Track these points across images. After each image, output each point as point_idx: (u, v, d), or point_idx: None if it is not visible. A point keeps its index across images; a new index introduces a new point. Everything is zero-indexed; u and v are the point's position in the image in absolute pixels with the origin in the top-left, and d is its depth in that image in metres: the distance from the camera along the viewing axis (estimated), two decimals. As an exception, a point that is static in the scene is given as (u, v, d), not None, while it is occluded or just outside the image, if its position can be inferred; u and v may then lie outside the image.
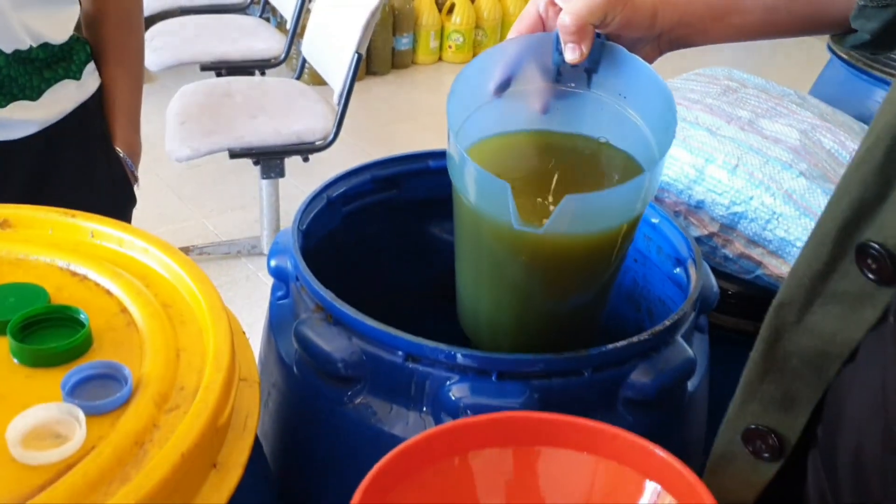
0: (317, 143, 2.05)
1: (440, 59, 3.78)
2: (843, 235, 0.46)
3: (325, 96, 2.20)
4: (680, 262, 0.80)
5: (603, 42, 0.61)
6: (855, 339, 0.47)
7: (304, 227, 0.78)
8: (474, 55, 3.73)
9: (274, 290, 0.77)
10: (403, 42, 3.65)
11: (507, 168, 0.63)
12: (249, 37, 2.59)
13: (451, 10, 3.69)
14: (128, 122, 1.02)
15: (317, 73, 2.33)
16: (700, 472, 0.52)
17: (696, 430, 0.74)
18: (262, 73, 2.62)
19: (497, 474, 0.54)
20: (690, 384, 0.70)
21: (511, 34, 0.62)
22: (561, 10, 0.59)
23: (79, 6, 0.96)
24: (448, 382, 0.62)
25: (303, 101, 2.17)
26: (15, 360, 0.54)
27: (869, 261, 0.45)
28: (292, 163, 2.20)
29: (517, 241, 0.57)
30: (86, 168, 0.99)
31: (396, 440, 0.54)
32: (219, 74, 2.51)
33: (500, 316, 0.67)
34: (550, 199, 0.62)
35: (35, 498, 0.45)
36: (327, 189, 0.84)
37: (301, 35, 2.44)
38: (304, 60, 2.36)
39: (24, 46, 0.89)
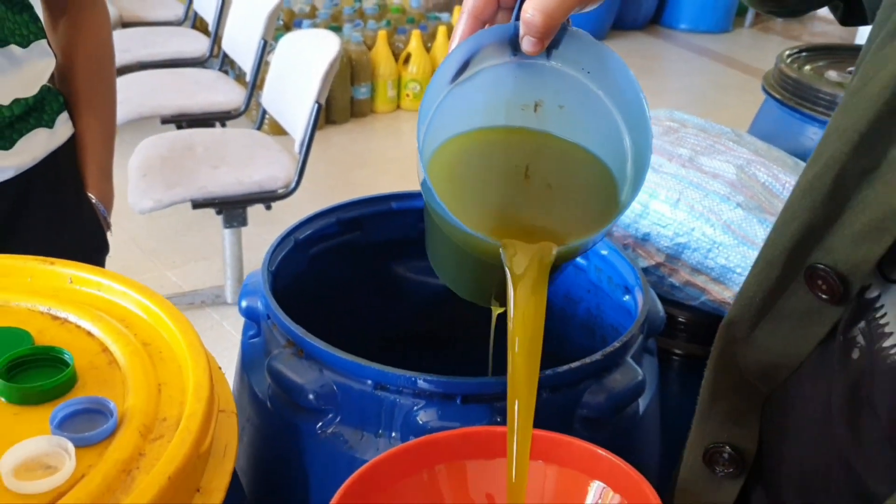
0: (279, 191, 2.09)
1: (398, 107, 3.87)
2: (793, 257, 0.50)
3: (285, 146, 2.25)
4: (628, 289, 0.85)
5: (565, 27, 0.56)
6: (803, 353, 0.50)
7: (274, 268, 0.82)
8: (431, 103, 3.85)
9: (245, 329, 0.81)
10: (362, 91, 3.73)
11: (472, 177, 0.60)
12: (209, 90, 2.63)
13: (407, 60, 3.78)
14: (99, 170, 1.06)
15: (276, 123, 2.38)
16: (656, 488, 0.55)
17: (651, 447, 0.79)
18: (223, 125, 2.66)
19: (462, 485, 0.57)
20: (642, 402, 0.74)
21: (462, 15, 0.56)
22: None
23: (53, 58, 1.00)
24: (415, 408, 0.66)
25: (263, 151, 2.22)
26: (2, 399, 0.56)
27: (819, 282, 0.49)
28: (255, 212, 2.23)
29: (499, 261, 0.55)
30: (59, 213, 1.02)
31: (368, 464, 0.58)
32: (179, 127, 2.55)
33: (482, 283, 0.66)
34: (525, 216, 0.58)
35: (27, 527, 0.47)
36: (294, 231, 0.88)
37: (260, 87, 2.49)
38: (265, 111, 2.41)
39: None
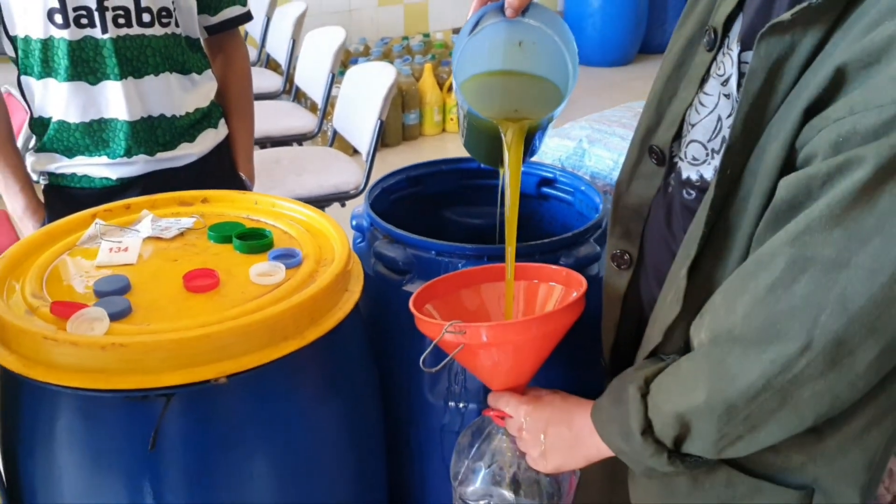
0: (351, 191, 2.59)
1: (443, 129, 4.37)
2: (643, 143, 0.94)
3: (353, 159, 2.75)
4: (596, 209, 1.31)
5: (532, 2, 0.97)
6: (651, 195, 0.94)
7: (371, 201, 1.29)
8: (473, 124, 4.33)
9: (355, 239, 1.29)
10: (411, 118, 4.24)
11: (485, 97, 1.00)
12: (286, 117, 3.16)
13: (451, 88, 4.29)
14: (246, 157, 1.56)
15: (344, 143, 2.89)
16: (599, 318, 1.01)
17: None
18: (300, 145, 3.19)
19: (483, 295, 1.05)
20: (598, 268, 1.20)
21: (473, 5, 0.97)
22: None
23: (215, 82, 1.51)
24: (459, 265, 1.12)
25: (337, 163, 2.72)
26: (237, 251, 1.05)
27: (654, 155, 0.93)
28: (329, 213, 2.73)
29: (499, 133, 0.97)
30: (223, 185, 1.51)
31: (434, 294, 1.05)
32: (263, 147, 3.08)
33: (493, 153, 1.05)
34: (514, 111, 0.99)
35: (264, 296, 0.95)
36: (382, 181, 1.36)
37: (328, 114, 3.00)
38: (335, 132, 2.92)
39: (186, 111, 1.43)
